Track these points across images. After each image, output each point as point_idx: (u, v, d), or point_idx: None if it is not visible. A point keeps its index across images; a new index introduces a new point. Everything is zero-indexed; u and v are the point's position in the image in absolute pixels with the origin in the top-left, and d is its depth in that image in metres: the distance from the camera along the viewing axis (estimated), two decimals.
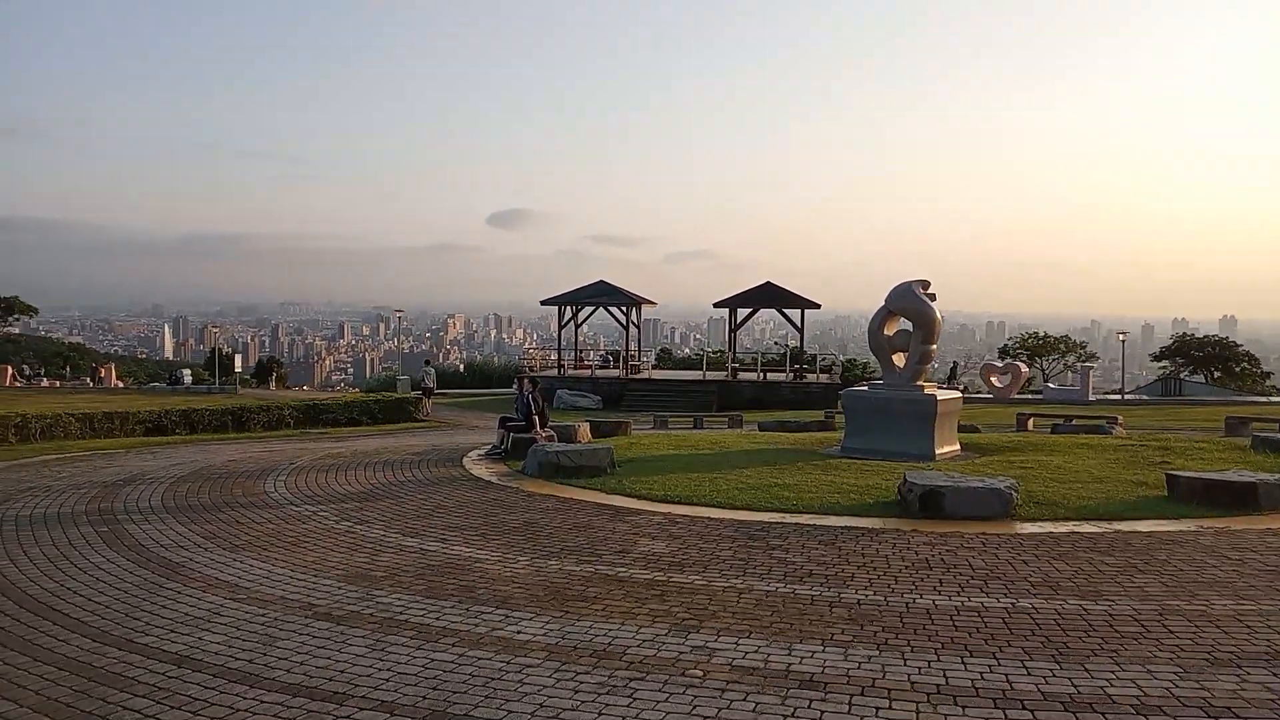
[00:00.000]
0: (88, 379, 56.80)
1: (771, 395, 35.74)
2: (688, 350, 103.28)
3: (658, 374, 41.34)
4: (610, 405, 35.44)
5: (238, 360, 53.65)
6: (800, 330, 38.32)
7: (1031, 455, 14.40)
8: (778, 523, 9.38)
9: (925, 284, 15.23)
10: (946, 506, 9.65)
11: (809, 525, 9.24)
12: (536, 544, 8.54)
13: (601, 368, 42.42)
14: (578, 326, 41.79)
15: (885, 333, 15.52)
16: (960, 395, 15.61)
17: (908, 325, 15.40)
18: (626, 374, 38.16)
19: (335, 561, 7.96)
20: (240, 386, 52.60)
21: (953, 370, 42.05)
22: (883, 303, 15.50)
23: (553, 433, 15.28)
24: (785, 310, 38.50)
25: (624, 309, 39.74)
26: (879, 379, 16.38)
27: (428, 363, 39.33)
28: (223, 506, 10.64)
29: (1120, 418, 22.68)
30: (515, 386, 16.21)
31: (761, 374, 37.92)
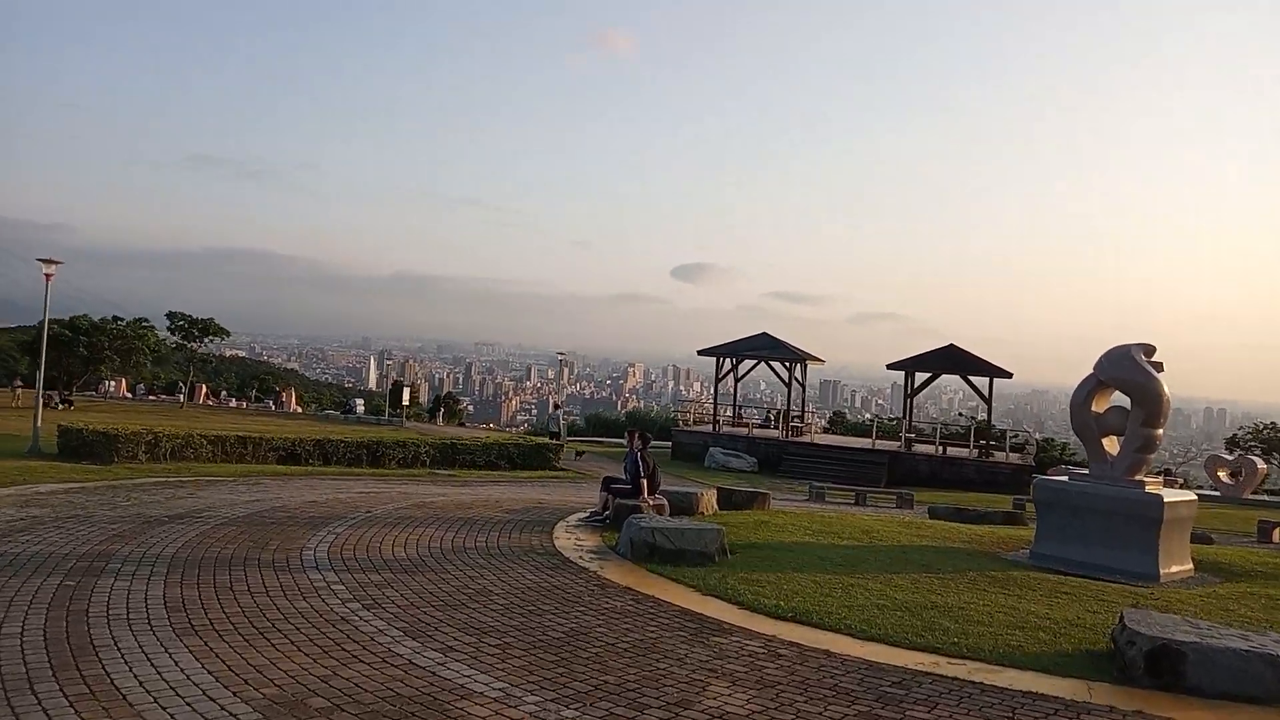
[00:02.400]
0: (271, 402, 59.21)
1: (951, 473, 31.76)
2: (868, 415, 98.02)
3: (822, 439, 37.93)
4: (766, 469, 32.55)
5: (406, 394, 54.28)
6: (988, 401, 34.09)
7: None
8: (927, 673, 6.49)
9: (1149, 349, 11.81)
10: (1189, 675, 6.44)
11: (973, 684, 6.30)
12: (567, 673, 6.06)
13: (761, 426, 39.53)
14: (738, 380, 39.19)
15: (1093, 409, 12.14)
16: (1194, 498, 11.98)
17: (1124, 401, 12.01)
18: (786, 435, 35.08)
19: (283, 670, 5.78)
20: (413, 420, 53.17)
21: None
22: (1091, 371, 12.17)
23: (664, 500, 12.79)
24: (971, 378, 34.41)
25: (787, 365, 36.77)
26: (1083, 466, 12.89)
27: (556, 406, 37.83)
28: (234, 564, 8.79)
29: None
30: (626, 440, 13.87)
31: (940, 447, 33.87)
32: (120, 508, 12.09)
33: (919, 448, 34.28)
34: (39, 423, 22.71)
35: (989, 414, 34.64)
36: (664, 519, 10.59)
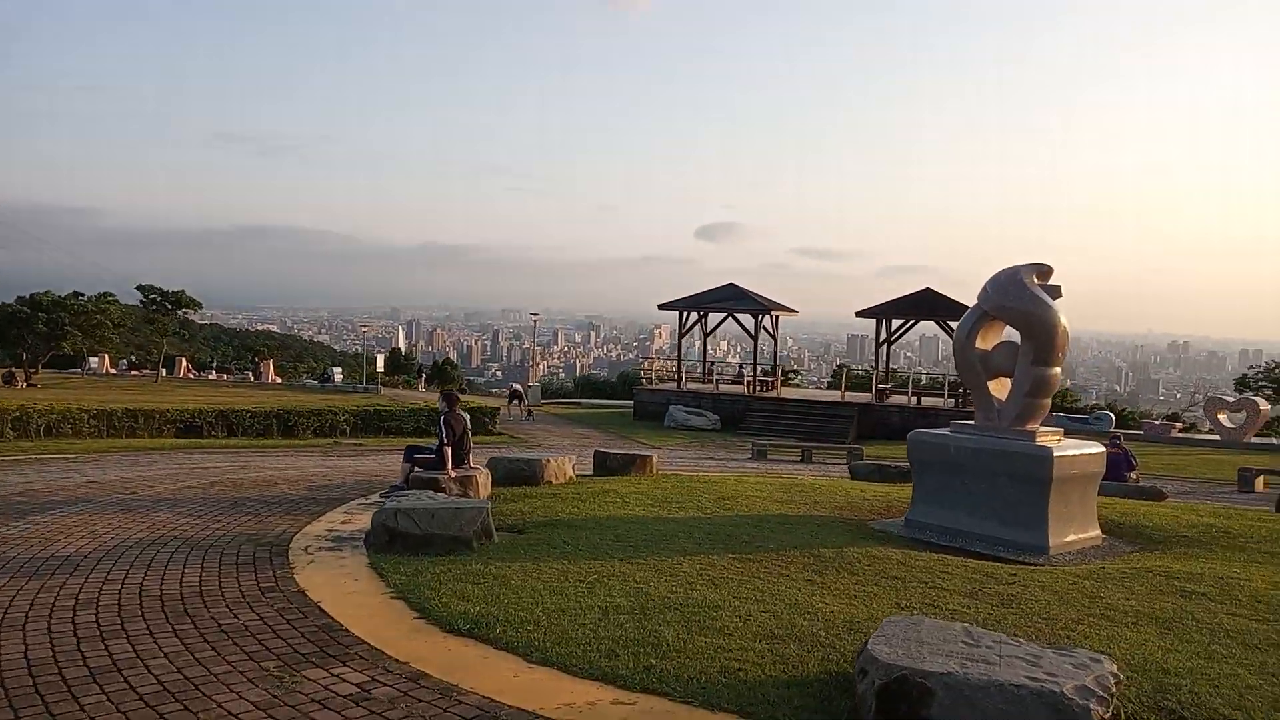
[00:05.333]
0: (250, 374, 57.89)
1: (925, 424, 29.34)
2: (910, 369, 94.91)
3: (790, 393, 35.64)
4: (729, 426, 30.50)
5: (380, 360, 52.69)
6: None
7: (1234, 560, 8.63)
8: None
9: (1043, 270, 9.59)
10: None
11: None
12: None
13: (735, 382, 37.35)
14: (706, 334, 36.98)
15: (978, 346, 9.97)
16: (1099, 451, 9.76)
17: (1014, 336, 9.83)
18: (752, 391, 32.90)
19: None
20: (396, 388, 51.50)
21: None
22: (975, 301, 9.99)
23: (475, 471, 10.77)
24: (949, 322, 31.90)
25: (756, 316, 34.45)
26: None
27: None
28: None
29: None
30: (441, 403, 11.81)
31: (914, 398, 31.55)
32: None
33: (894, 399, 31.97)
34: None
35: None
36: (416, 497, 8.58)
